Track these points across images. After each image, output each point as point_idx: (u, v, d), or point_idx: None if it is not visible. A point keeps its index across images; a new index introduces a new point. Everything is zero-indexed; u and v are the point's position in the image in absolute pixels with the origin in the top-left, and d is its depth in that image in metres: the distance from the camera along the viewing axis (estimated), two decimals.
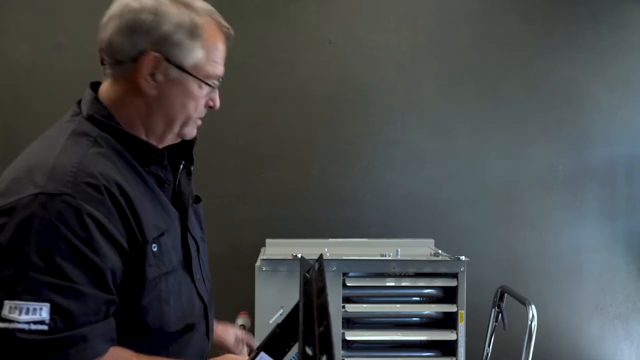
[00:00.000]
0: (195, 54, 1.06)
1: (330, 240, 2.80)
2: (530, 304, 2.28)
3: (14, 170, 0.99)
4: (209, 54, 1.08)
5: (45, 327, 0.88)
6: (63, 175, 0.94)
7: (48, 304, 0.89)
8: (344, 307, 2.39)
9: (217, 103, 1.15)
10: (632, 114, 3.23)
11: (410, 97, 3.15)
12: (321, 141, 3.13)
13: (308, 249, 2.43)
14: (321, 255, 1.17)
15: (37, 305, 0.88)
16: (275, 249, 2.61)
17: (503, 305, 2.51)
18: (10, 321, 0.87)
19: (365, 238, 2.90)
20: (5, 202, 0.93)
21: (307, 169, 3.12)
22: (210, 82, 1.10)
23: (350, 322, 2.51)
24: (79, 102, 1.12)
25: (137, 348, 1.02)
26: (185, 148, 1.20)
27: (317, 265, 1.16)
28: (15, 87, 3.04)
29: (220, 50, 1.11)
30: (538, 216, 3.20)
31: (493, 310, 2.58)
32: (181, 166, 1.19)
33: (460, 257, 2.43)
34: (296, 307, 1.16)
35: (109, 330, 0.97)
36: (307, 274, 1.14)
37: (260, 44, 3.07)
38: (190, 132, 1.15)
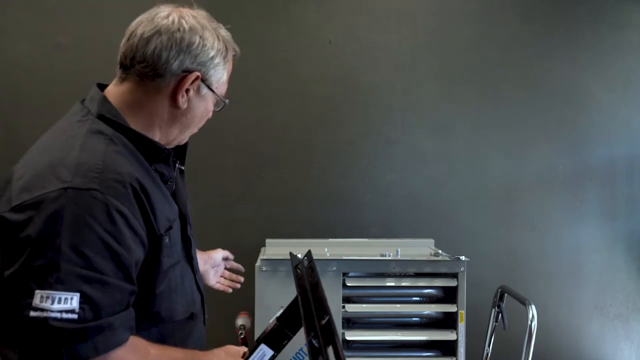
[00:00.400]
0: (222, 76, 1.19)
1: (330, 240, 2.80)
2: (530, 304, 2.28)
3: (31, 167, 1.01)
4: (227, 76, 1.22)
5: (75, 316, 0.92)
6: (89, 172, 0.98)
7: (78, 294, 0.92)
8: (344, 307, 2.39)
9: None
10: (632, 114, 3.22)
11: (410, 97, 3.15)
12: (321, 141, 3.12)
13: (308, 249, 2.42)
14: (309, 252, 1.23)
15: (68, 295, 0.92)
16: (275, 249, 2.61)
17: (503, 305, 2.51)
18: (43, 310, 0.90)
19: (365, 238, 2.90)
20: (30, 196, 0.96)
21: (307, 169, 3.12)
22: (225, 100, 1.22)
23: (350, 322, 2.51)
24: (82, 101, 1.15)
25: (147, 336, 1.07)
26: (179, 149, 1.27)
27: (306, 261, 1.21)
28: (15, 87, 3.03)
29: (230, 71, 1.23)
30: (538, 216, 3.20)
31: (493, 310, 2.58)
32: (177, 165, 1.26)
33: (460, 257, 2.43)
34: (294, 301, 1.22)
35: (129, 319, 1.01)
36: (298, 269, 1.20)
37: (260, 44, 3.06)
38: (186, 138, 1.26)
